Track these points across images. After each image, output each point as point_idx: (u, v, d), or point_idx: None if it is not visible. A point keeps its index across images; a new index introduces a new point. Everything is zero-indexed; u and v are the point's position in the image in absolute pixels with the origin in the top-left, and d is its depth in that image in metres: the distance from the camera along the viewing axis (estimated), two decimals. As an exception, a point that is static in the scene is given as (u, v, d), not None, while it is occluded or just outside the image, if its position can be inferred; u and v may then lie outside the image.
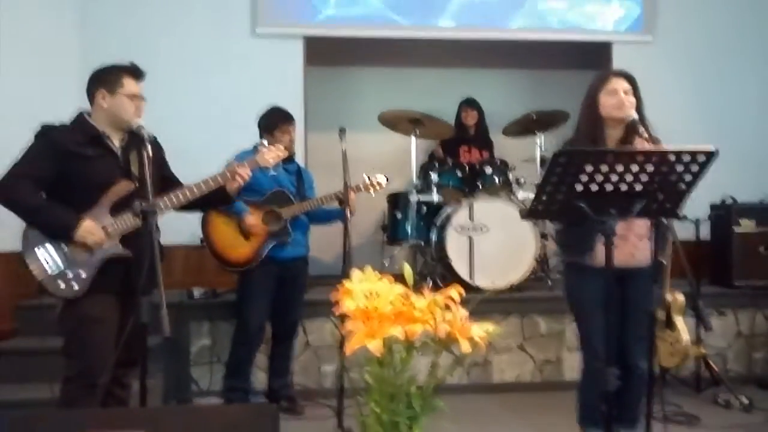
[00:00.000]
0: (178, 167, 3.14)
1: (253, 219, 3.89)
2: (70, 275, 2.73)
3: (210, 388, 4.29)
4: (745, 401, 4.03)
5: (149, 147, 2.67)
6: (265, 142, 3.30)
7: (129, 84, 2.84)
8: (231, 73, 5.17)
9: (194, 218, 3.84)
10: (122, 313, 2.78)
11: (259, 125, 4.02)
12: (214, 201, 3.10)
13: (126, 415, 2.09)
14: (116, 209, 2.80)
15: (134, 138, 2.80)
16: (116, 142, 2.88)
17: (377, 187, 4.05)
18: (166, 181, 3.02)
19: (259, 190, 3.91)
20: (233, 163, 3.12)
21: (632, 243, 2.81)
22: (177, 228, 3.76)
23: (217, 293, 4.51)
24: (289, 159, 4.03)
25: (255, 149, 3.46)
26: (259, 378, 4.23)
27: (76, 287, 2.73)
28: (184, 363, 4.34)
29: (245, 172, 3.01)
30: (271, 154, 3.18)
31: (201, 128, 4.96)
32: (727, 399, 4.09)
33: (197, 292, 4.49)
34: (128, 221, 2.78)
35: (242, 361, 3.97)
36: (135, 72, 2.88)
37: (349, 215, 3.53)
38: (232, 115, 4.87)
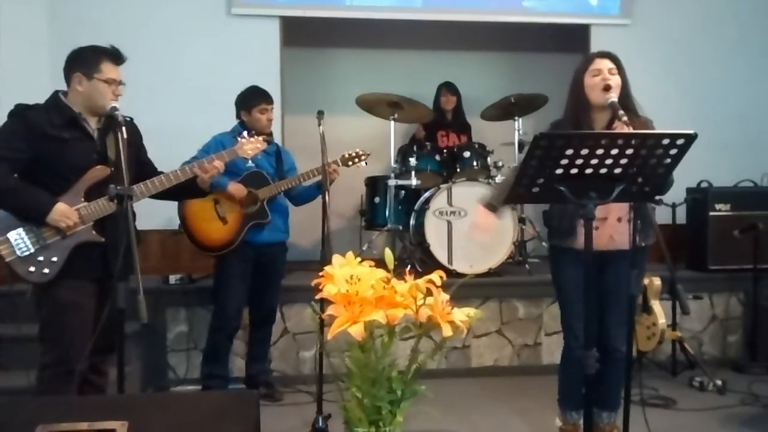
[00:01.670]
0: (153, 148, 3.09)
1: (235, 187, 3.81)
2: (41, 259, 2.68)
3: (187, 375, 4.25)
4: (720, 383, 4.09)
5: (124, 130, 2.61)
6: (245, 134, 3.26)
7: (107, 69, 2.77)
8: (206, 54, 5.09)
9: (170, 203, 3.77)
10: (99, 299, 2.74)
11: (237, 104, 3.96)
12: (186, 193, 3.05)
13: (105, 404, 2.06)
14: (91, 194, 2.75)
15: (111, 121, 2.74)
16: (93, 124, 2.82)
17: (362, 157, 3.98)
18: (143, 166, 2.98)
19: (236, 171, 3.85)
20: (206, 158, 3.06)
21: (611, 226, 2.83)
22: (153, 213, 3.72)
23: (194, 279, 4.46)
24: (268, 140, 3.97)
25: (234, 133, 3.43)
26: (237, 364, 4.21)
27: (47, 271, 2.68)
28: (161, 350, 4.29)
29: (220, 164, 2.96)
30: (251, 146, 3.15)
31: (176, 109, 4.89)
32: (702, 381, 4.15)
33: (173, 277, 4.44)
34: (103, 206, 2.73)
35: (220, 347, 3.94)
36: (114, 56, 2.81)
37: (327, 198, 3.49)
38: (208, 97, 4.80)
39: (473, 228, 3.09)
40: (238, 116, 3.96)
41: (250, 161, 3.75)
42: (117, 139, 2.62)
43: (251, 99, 3.91)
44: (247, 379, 4.08)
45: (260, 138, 3.30)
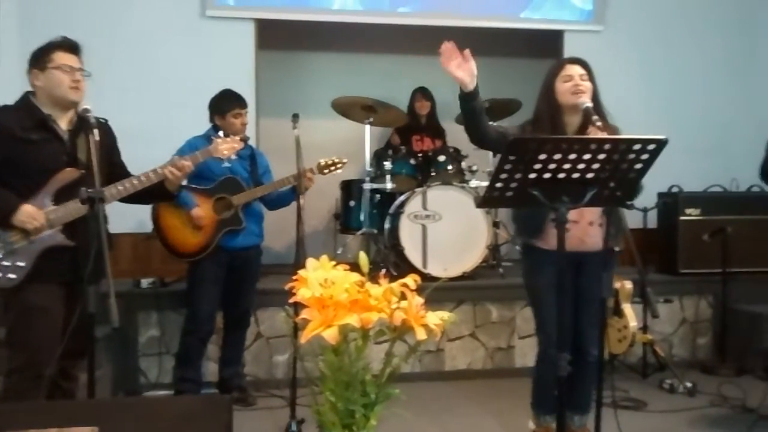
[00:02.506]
0: (126, 151, 3.06)
1: (200, 211, 3.81)
2: (7, 264, 2.63)
3: (159, 379, 4.21)
4: (689, 385, 4.15)
5: (96, 132, 2.58)
6: (221, 134, 3.23)
7: (58, 56, 2.73)
8: (181, 57, 5.05)
9: (142, 206, 3.74)
10: (68, 303, 2.70)
11: (211, 108, 3.94)
12: (156, 196, 3.02)
13: (75, 409, 2.03)
14: (60, 197, 2.71)
15: (83, 122, 2.70)
16: (63, 125, 2.78)
17: (338, 165, 3.97)
18: (114, 168, 2.94)
19: (210, 177, 3.84)
20: (177, 157, 3.03)
21: (582, 229, 2.85)
22: (125, 216, 3.67)
23: (166, 282, 4.42)
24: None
25: (207, 136, 3.39)
26: (210, 369, 4.17)
27: (13, 276, 2.63)
28: (132, 354, 4.25)
29: (188, 164, 2.93)
30: (227, 146, 3.12)
31: (150, 112, 4.83)
32: (672, 383, 4.20)
33: (146, 281, 4.40)
34: (72, 209, 2.69)
35: (192, 351, 3.90)
36: (65, 45, 2.76)
37: (302, 201, 3.48)
38: (181, 99, 4.77)
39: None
40: (211, 120, 3.93)
41: (225, 162, 3.72)
42: (88, 141, 2.58)
43: (225, 103, 3.89)
44: (219, 383, 4.05)
45: (236, 138, 3.28)
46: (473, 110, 2.77)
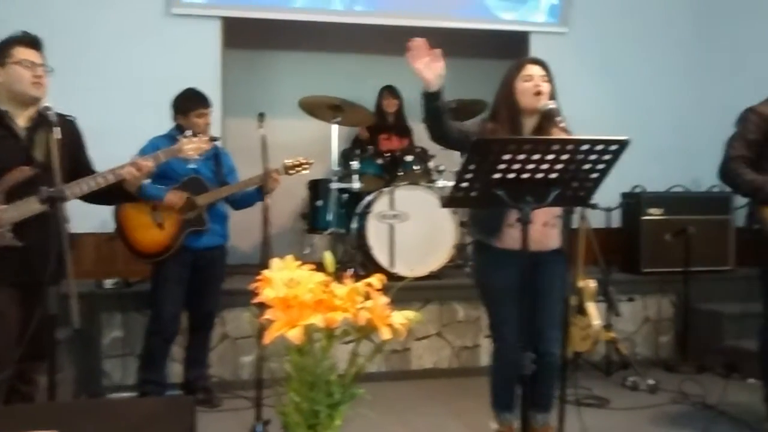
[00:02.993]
0: (90, 149, 3.01)
1: (173, 195, 3.74)
2: None
3: (123, 381, 4.16)
4: (651, 383, 4.22)
5: (58, 130, 2.53)
6: (188, 133, 3.19)
7: (18, 52, 2.67)
8: (145, 55, 4.98)
9: (105, 205, 3.69)
10: (25, 306, 2.63)
11: (174, 107, 3.89)
12: (117, 197, 2.97)
13: (34, 413, 1.99)
14: (12, 196, 2.64)
15: (43, 120, 2.65)
16: (21, 122, 2.72)
17: (304, 166, 3.96)
18: (81, 167, 2.88)
19: (174, 177, 3.80)
20: (138, 157, 2.99)
21: (538, 229, 2.86)
22: (88, 215, 3.61)
23: (130, 283, 4.37)
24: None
25: (170, 136, 3.34)
26: (175, 370, 4.12)
27: None
28: (94, 356, 4.18)
29: (149, 165, 2.88)
30: (193, 146, 3.08)
31: (114, 110, 4.76)
32: (635, 381, 4.27)
33: (109, 282, 4.33)
34: (24, 208, 2.62)
35: (156, 352, 3.86)
36: (26, 40, 2.71)
37: (268, 201, 3.46)
38: (147, 98, 4.69)
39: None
40: (174, 119, 3.89)
41: (191, 163, 3.69)
42: (48, 139, 2.54)
43: (188, 103, 3.85)
44: (184, 384, 4.01)
45: (204, 138, 3.25)
46: (436, 110, 2.77)
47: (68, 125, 2.77)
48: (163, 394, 3.82)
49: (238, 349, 4.35)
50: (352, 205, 4.90)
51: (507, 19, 5.65)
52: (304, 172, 3.97)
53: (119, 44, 4.96)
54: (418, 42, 2.66)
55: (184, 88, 3.91)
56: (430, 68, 2.66)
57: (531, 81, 2.84)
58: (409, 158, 4.89)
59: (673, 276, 4.83)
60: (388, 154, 5.04)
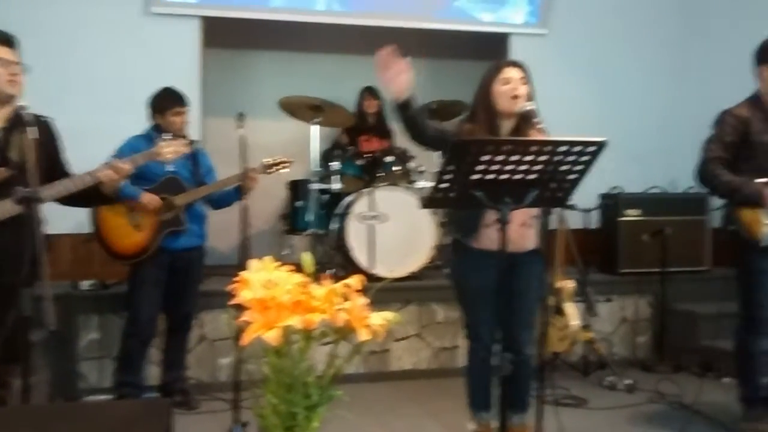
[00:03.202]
0: (67, 150, 2.98)
1: (148, 196, 3.72)
2: None
3: (99, 384, 4.11)
4: (629, 383, 4.25)
5: (34, 130, 2.50)
6: (167, 136, 3.17)
7: None
8: (123, 54, 4.94)
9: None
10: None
11: (151, 106, 3.86)
12: (94, 199, 2.93)
13: (8, 416, 1.96)
14: None
15: (19, 120, 2.61)
16: (-4, 123, 2.69)
17: (283, 165, 3.94)
18: (57, 168, 2.85)
19: (151, 177, 3.76)
20: (115, 160, 2.96)
21: (515, 229, 2.87)
22: (64, 217, 3.57)
23: (107, 285, 4.33)
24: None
25: (148, 136, 3.31)
26: (152, 373, 4.09)
27: None
28: (70, 358, 4.13)
29: (127, 168, 2.85)
30: (171, 149, 3.06)
31: (91, 110, 4.72)
32: (612, 381, 4.30)
33: (86, 283, 4.29)
34: None
35: (133, 355, 3.82)
36: (0, 38, 2.69)
37: (247, 201, 3.44)
38: (125, 97, 4.65)
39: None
40: (151, 119, 3.86)
41: (169, 166, 3.66)
42: (23, 140, 2.50)
43: (165, 102, 3.82)
44: (162, 387, 3.98)
45: (182, 141, 3.22)
46: (410, 118, 2.82)
47: (44, 126, 2.73)
48: (140, 397, 3.78)
49: (216, 351, 4.32)
50: (332, 206, 4.89)
51: (487, 21, 5.67)
52: (283, 171, 3.96)
53: (98, 43, 4.92)
54: (384, 53, 2.66)
55: (161, 87, 3.88)
56: (396, 80, 2.66)
57: (509, 84, 2.86)
58: (389, 159, 4.89)
59: (650, 276, 4.87)
60: (369, 155, 5.03)
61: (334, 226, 4.76)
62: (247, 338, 1.61)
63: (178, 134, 3.69)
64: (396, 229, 4.59)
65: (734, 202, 3.39)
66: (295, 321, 1.62)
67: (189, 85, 4.29)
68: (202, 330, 4.29)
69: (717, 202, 4.08)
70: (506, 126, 2.91)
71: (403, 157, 4.94)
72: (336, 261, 4.78)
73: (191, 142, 3.70)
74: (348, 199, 4.75)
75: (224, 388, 3.96)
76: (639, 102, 5.81)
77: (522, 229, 2.89)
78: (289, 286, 1.69)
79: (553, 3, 5.72)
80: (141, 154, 3.02)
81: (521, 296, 2.94)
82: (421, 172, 4.92)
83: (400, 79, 2.67)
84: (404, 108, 2.75)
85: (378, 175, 4.85)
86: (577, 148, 2.24)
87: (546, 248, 3.03)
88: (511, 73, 2.88)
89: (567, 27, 5.73)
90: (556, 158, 2.24)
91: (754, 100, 3.44)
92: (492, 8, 5.68)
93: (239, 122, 3.47)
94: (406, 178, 4.88)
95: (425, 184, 4.83)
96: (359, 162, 4.98)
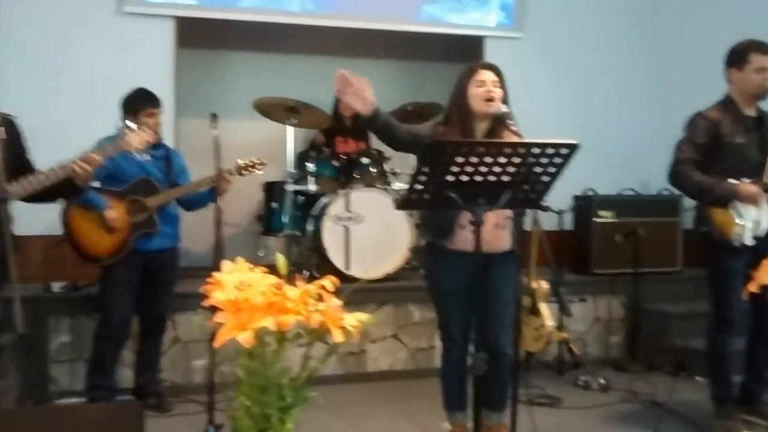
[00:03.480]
0: (38, 151, 2.93)
1: (114, 213, 3.69)
2: None
3: (71, 387, 4.06)
4: (603, 382, 4.29)
5: (2, 130, 2.46)
6: (131, 125, 3.13)
7: None
8: (95, 54, 4.88)
9: (52, 207, 3.59)
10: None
11: (123, 107, 3.82)
12: (62, 192, 2.89)
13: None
14: None
15: None
16: (-37, 122, 2.64)
17: (257, 166, 3.92)
18: (23, 169, 2.80)
19: (123, 179, 3.73)
20: (86, 151, 2.92)
21: (489, 230, 2.88)
22: (35, 218, 3.53)
23: (79, 287, 4.27)
24: (156, 144, 3.86)
25: (119, 135, 3.27)
26: (125, 375, 4.05)
27: None
28: (41, 361, 4.07)
29: (98, 158, 2.82)
30: (137, 138, 3.03)
31: (63, 110, 4.66)
32: (587, 380, 4.34)
33: (57, 285, 4.23)
34: None
35: (106, 357, 3.78)
36: None
37: (220, 203, 3.42)
38: (97, 98, 4.60)
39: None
40: (123, 120, 3.81)
41: (138, 156, 3.60)
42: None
43: (137, 103, 3.78)
44: (135, 389, 3.94)
45: (147, 129, 3.19)
46: (379, 129, 2.85)
47: (9, 124, 2.69)
48: (113, 400, 3.74)
49: (190, 353, 4.29)
50: (308, 207, 4.87)
51: (462, 24, 5.69)
52: (257, 172, 3.95)
53: (70, 43, 4.85)
54: (340, 75, 2.71)
55: (134, 88, 3.85)
56: (357, 98, 2.70)
57: (483, 87, 2.88)
58: (365, 161, 4.88)
59: (623, 277, 4.92)
60: (344, 157, 5.03)
61: (309, 227, 4.74)
62: (219, 340, 1.61)
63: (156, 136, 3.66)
64: (372, 230, 4.58)
65: (706, 203, 3.43)
66: (269, 322, 1.61)
67: (162, 86, 4.26)
68: (175, 332, 4.25)
69: (689, 203, 4.13)
70: (480, 128, 2.93)
71: (379, 159, 4.93)
72: (312, 262, 4.76)
73: (158, 140, 3.67)
74: (324, 200, 4.74)
75: (198, 391, 3.93)
76: (612, 105, 5.87)
77: (496, 230, 2.90)
78: (262, 287, 1.68)
79: (528, 7, 5.76)
80: (110, 144, 2.98)
81: (497, 297, 2.95)
82: (397, 174, 4.92)
83: (358, 98, 2.69)
84: (372, 121, 2.79)
85: (354, 176, 4.84)
86: (550, 151, 2.25)
87: (520, 249, 3.04)
88: (486, 75, 2.91)
89: (541, 31, 5.77)
90: (530, 160, 2.26)
91: (725, 103, 3.50)
92: (462, 11, 5.69)
93: (213, 123, 3.45)
94: (382, 179, 4.88)
95: (401, 185, 4.84)
96: (335, 163, 4.97)
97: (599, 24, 5.91)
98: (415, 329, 4.65)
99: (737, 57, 3.44)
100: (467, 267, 2.65)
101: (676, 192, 3.81)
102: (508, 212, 2.90)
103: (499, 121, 2.81)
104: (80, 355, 4.08)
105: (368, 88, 2.72)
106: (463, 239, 2.78)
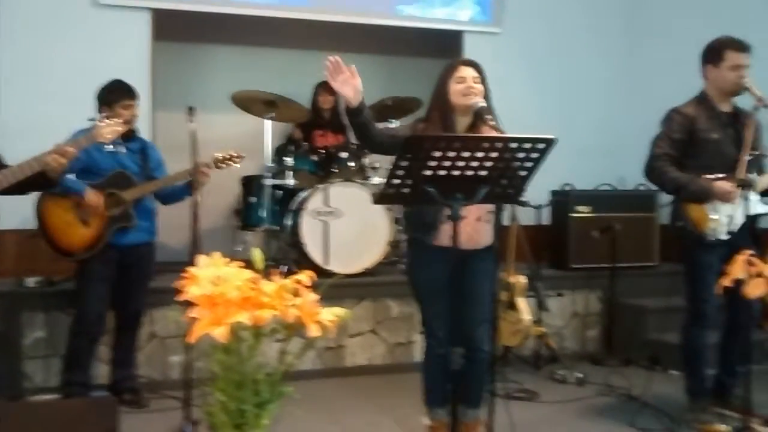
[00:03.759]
0: (11, 144, 2.90)
1: (94, 196, 3.64)
2: None
3: (45, 383, 4.01)
4: (579, 376, 4.32)
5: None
6: (102, 116, 3.10)
7: None
8: (71, 46, 4.81)
9: (27, 201, 3.55)
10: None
11: (99, 98, 3.76)
12: (36, 185, 2.86)
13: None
14: None
15: None
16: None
17: (234, 159, 3.90)
18: None
19: (98, 172, 3.68)
20: (60, 144, 2.89)
21: (471, 224, 2.89)
22: (9, 212, 3.48)
23: (53, 282, 4.22)
24: (132, 137, 3.82)
25: (92, 127, 3.24)
26: (102, 371, 4.00)
27: None
28: (15, 357, 4.01)
29: (72, 150, 2.79)
30: (108, 129, 3.00)
31: (37, 103, 4.58)
32: (563, 375, 4.37)
33: (31, 280, 4.17)
34: None
35: (81, 353, 3.74)
36: None
37: (198, 197, 3.39)
38: (72, 91, 4.54)
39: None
40: (99, 112, 3.76)
41: (110, 147, 3.55)
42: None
43: (114, 94, 3.73)
44: (111, 386, 3.90)
45: (118, 120, 3.16)
46: (360, 124, 2.82)
47: None
48: (88, 396, 3.70)
49: (167, 348, 4.25)
50: (286, 202, 4.85)
51: (441, 18, 5.69)
52: (235, 165, 3.92)
53: (45, 35, 4.78)
54: (332, 60, 2.67)
55: (110, 80, 3.80)
56: (347, 85, 2.67)
57: (463, 83, 2.89)
58: (343, 155, 4.87)
59: (600, 272, 4.95)
60: (323, 151, 5.01)
61: (288, 222, 4.72)
62: (194, 335, 1.59)
63: (128, 126, 3.62)
64: (350, 225, 4.58)
65: (681, 198, 3.47)
66: (244, 317, 1.60)
67: (139, 79, 4.21)
68: (152, 327, 4.22)
69: (666, 198, 4.17)
70: (462, 123, 2.94)
71: (357, 153, 4.92)
72: (290, 257, 4.75)
73: (132, 132, 3.63)
74: (302, 194, 4.72)
75: (175, 387, 3.89)
76: (590, 100, 5.90)
77: (478, 225, 2.91)
78: (238, 282, 1.67)
79: (506, 3, 5.77)
80: (83, 137, 2.96)
81: (477, 292, 2.96)
82: (376, 168, 4.91)
83: (350, 83, 2.67)
84: (355, 114, 2.76)
85: (332, 170, 4.82)
86: (527, 145, 2.26)
87: (500, 244, 3.05)
88: (466, 72, 2.92)
89: (520, 26, 5.79)
90: (507, 155, 2.26)
91: (701, 99, 3.53)
92: (433, 5, 5.67)
93: (190, 116, 3.41)
94: (360, 173, 4.87)
95: (380, 180, 4.83)
96: (313, 157, 4.95)
97: (577, 20, 5.94)
98: (393, 324, 4.65)
99: (713, 54, 3.47)
100: (449, 262, 2.65)
101: (653, 187, 3.84)
102: (491, 206, 2.91)
103: (479, 116, 2.82)
104: (55, 351, 4.02)
105: (358, 78, 2.70)
106: (447, 234, 2.79)
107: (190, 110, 3.43)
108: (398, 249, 5.07)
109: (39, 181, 2.76)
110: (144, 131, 4.21)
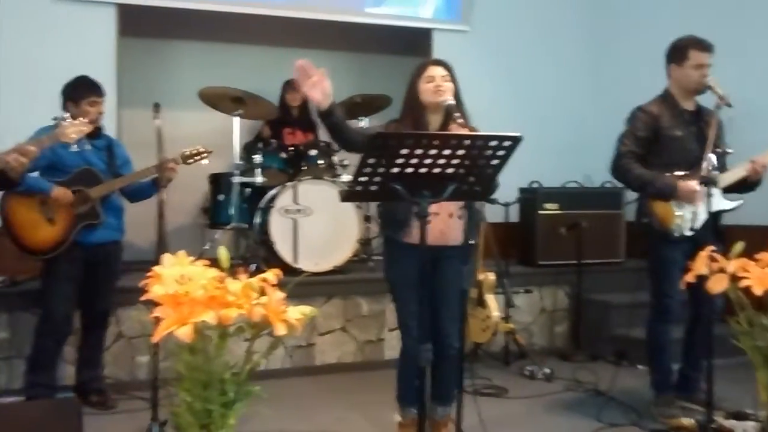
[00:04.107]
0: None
1: (61, 190, 3.58)
2: None
3: (9, 385, 3.93)
4: (548, 372, 4.36)
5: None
6: (66, 115, 3.05)
7: None
8: (34, 42, 4.73)
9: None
10: None
11: (65, 95, 3.70)
12: None
13: None
14: None
15: None
16: None
17: (203, 155, 3.86)
18: None
19: (64, 169, 3.62)
20: (20, 143, 2.84)
21: (443, 221, 2.90)
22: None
23: (17, 281, 4.14)
24: (98, 134, 3.77)
25: (56, 126, 3.19)
26: (68, 372, 3.95)
27: None
28: (-23, 358, 3.95)
29: (33, 150, 2.74)
30: (73, 129, 2.95)
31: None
32: (532, 370, 4.41)
33: (-6, 280, 4.10)
34: None
35: (46, 354, 3.67)
36: None
37: (165, 194, 3.35)
38: (34, 89, 4.47)
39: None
40: (64, 108, 3.70)
41: (74, 146, 3.50)
42: None
43: (79, 91, 3.67)
44: (77, 387, 3.84)
45: (84, 119, 3.11)
46: (333, 125, 2.81)
47: None
48: (53, 397, 3.64)
49: (134, 348, 4.20)
50: (255, 200, 4.82)
51: (410, 16, 5.70)
52: (203, 161, 3.89)
53: (7, 30, 4.69)
54: (302, 63, 2.65)
55: (76, 76, 3.74)
56: (316, 89, 2.66)
57: (433, 82, 2.91)
58: (313, 152, 4.85)
59: (567, 268, 5.01)
60: (292, 149, 4.99)
61: (257, 220, 4.70)
62: (158, 335, 1.58)
63: (94, 125, 3.57)
64: (320, 222, 4.56)
65: (646, 195, 3.52)
66: (209, 316, 1.59)
67: (104, 75, 4.14)
68: (119, 327, 4.16)
69: (632, 196, 4.23)
70: (434, 121, 2.95)
71: (327, 151, 4.91)
72: (259, 255, 4.72)
73: (98, 129, 3.58)
74: (271, 192, 4.69)
75: (143, 387, 3.86)
76: (557, 98, 5.96)
77: (450, 221, 2.93)
78: (203, 281, 1.66)
79: (475, 1, 5.80)
80: (45, 136, 2.91)
81: (447, 289, 2.98)
82: (345, 166, 4.90)
83: (319, 87, 2.66)
84: (326, 116, 2.75)
85: (302, 168, 4.81)
86: (493, 143, 2.27)
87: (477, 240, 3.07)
88: (435, 71, 2.95)
89: (488, 24, 5.82)
90: (474, 152, 2.27)
91: (665, 97, 3.59)
92: (416, 3, 5.69)
93: (156, 113, 3.37)
94: (330, 171, 4.86)
95: (349, 177, 4.81)
96: (282, 155, 4.93)
97: (544, 18, 6.00)
98: (363, 322, 4.65)
99: (677, 53, 3.52)
100: (421, 259, 2.65)
101: (619, 185, 3.89)
102: (462, 203, 2.92)
103: (449, 114, 2.83)
104: (18, 352, 3.95)
105: (327, 80, 2.69)
106: (418, 232, 2.79)
107: (156, 107, 3.39)
108: (368, 246, 5.08)
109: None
110: (110, 128, 4.16)
